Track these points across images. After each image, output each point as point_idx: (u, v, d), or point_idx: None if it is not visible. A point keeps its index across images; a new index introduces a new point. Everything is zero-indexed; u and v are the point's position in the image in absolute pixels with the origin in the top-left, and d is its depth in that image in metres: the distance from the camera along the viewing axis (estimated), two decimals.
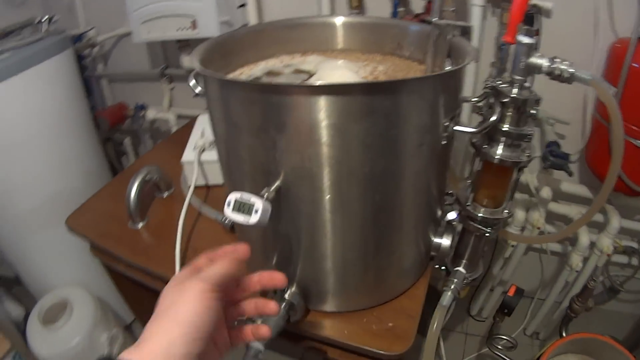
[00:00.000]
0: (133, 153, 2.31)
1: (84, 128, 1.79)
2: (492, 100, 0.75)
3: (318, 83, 0.65)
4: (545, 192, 1.48)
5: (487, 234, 0.86)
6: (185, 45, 1.66)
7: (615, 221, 1.49)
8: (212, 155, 1.25)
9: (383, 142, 0.64)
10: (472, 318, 2.04)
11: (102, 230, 1.21)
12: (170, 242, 1.06)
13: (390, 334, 0.83)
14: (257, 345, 0.74)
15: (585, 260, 1.60)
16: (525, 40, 0.68)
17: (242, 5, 1.55)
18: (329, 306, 0.87)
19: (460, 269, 0.94)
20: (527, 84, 0.73)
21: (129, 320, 2.14)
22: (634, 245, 1.64)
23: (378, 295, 0.89)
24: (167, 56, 1.98)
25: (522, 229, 1.58)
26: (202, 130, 1.32)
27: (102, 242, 1.18)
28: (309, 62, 0.90)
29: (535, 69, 0.70)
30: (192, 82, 0.78)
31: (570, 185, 1.55)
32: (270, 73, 0.87)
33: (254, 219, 0.66)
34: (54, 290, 1.80)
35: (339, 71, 0.82)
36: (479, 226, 0.86)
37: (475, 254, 0.94)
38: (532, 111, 0.73)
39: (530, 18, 0.72)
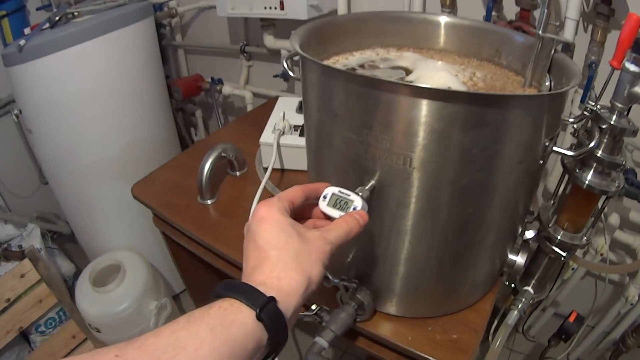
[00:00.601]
0: (203, 126, 2.35)
1: (157, 95, 1.85)
2: (589, 124, 0.74)
3: (429, 86, 0.65)
4: (614, 219, 1.44)
5: (562, 258, 0.85)
6: (269, 24, 1.67)
7: None
8: (291, 139, 1.24)
9: (483, 155, 0.62)
10: (519, 334, 2.00)
11: (169, 201, 1.23)
12: (239, 223, 1.05)
13: (453, 345, 0.83)
14: (322, 342, 0.75)
15: None
16: (633, 68, 0.66)
17: None
18: (396, 309, 0.87)
19: (529, 288, 0.93)
20: (625, 113, 0.71)
21: (178, 290, 2.19)
22: None
23: (446, 306, 0.88)
24: (248, 33, 2.00)
25: (585, 253, 1.54)
26: (283, 112, 1.29)
27: (167, 213, 1.19)
28: (405, 58, 0.88)
29: (637, 99, 0.68)
30: (285, 65, 0.78)
31: (638, 215, 1.50)
32: (365, 65, 0.86)
33: None
34: (109, 252, 1.86)
35: (438, 73, 0.80)
36: (556, 249, 0.84)
37: (545, 275, 0.92)
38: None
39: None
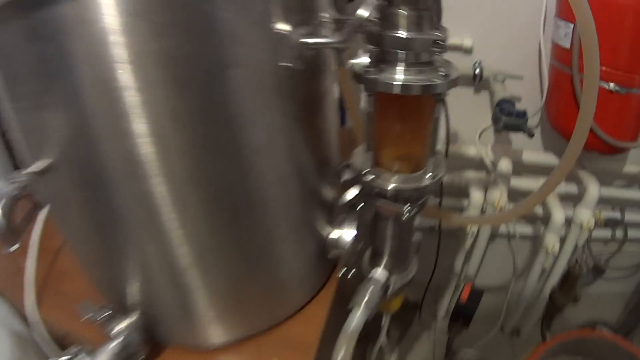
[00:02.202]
0: None
1: None
2: None
3: None
4: (505, 165, 1.20)
5: (406, 214, 0.56)
6: None
7: (594, 189, 1.25)
8: None
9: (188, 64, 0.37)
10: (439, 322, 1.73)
11: None
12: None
13: None
14: None
15: (563, 240, 1.34)
16: None
17: None
18: (184, 340, 0.57)
19: (377, 273, 0.64)
20: None
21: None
22: (617, 215, 1.44)
23: (253, 322, 0.58)
24: None
25: (482, 212, 1.29)
26: None
27: None
28: None
29: None
30: None
31: (534, 154, 1.30)
32: None
33: None
34: None
35: None
36: (393, 203, 0.56)
37: (399, 247, 0.64)
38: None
39: None
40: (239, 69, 0.38)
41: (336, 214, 0.61)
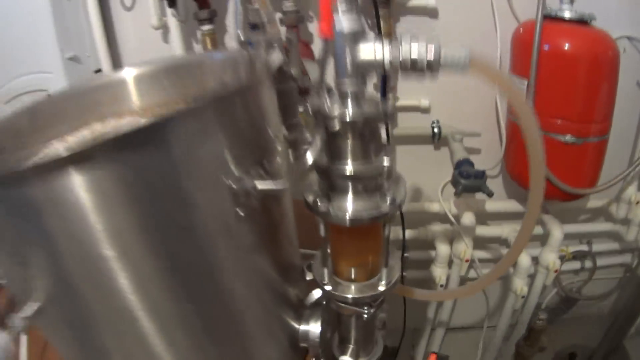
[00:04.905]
0: None
1: None
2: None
3: None
4: (468, 219, 1.26)
5: (365, 315, 0.61)
6: None
7: (557, 232, 1.31)
8: None
9: (154, 224, 0.42)
10: None
11: None
12: None
13: None
14: None
15: (532, 279, 1.39)
16: (348, 25, 0.44)
17: (98, 71, 1.35)
18: None
19: (346, 358, 0.68)
20: (367, 93, 0.49)
21: None
22: (584, 247, 1.50)
23: None
24: None
25: (450, 263, 1.35)
26: None
27: None
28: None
29: (373, 66, 0.46)
30: None
31: (497, 204, 1.36)
32: None
33: None
34: None
35: None
36: (352, 307, 0.60)
37: (364, 334, 0.69)
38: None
39: None
40: (202, 216, 0.43)
41: (304, 310, 0.66)
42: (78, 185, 0.38)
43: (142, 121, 0.36)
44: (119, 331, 0.47)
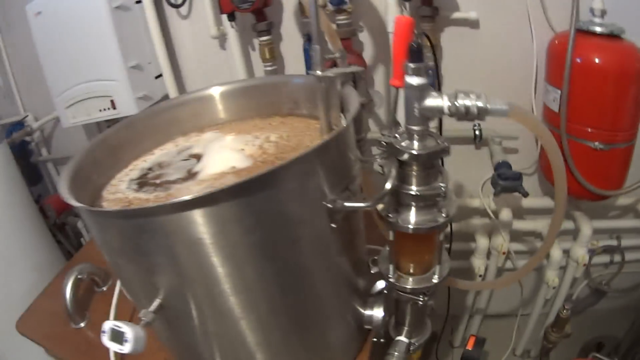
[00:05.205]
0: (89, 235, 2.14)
1: (27, 221, 1.67)
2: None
3: (153, 205, 0.55)
4: (505, 214, 1.38)
5: (420, 302, 0.75)
6: (114, 123, 1.56)
7: (586, 228, 1.40)
8: None
9: (266, 241, 0.56)
10: (456, 349, 1.91)
11: (47, 331, 1.14)
12: None
13: None
14: None
15: (563, 271, 1.51)
16: (415, 81, 0.57)
17: (159, 76, 1.49)
18: None
19: (402, 337, 0.82)
20: (430, 132, 0.62)
21: None
22: (613, 242, 1.56)
23: None
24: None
25: (488, 255, 1.47)
26: None
27: (47, 344, 1.11)
28: (202, 141, 0.83)
29: (435, 113, 0.59)
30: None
31: (533, 200, 1.46)
32: (155, 167, 0.80)
33: (127, 347, 0.59)
34: None
35: (222, 153, 0.74)
36: (410, 295, 0.75)
37: (416, 318, 0.82)
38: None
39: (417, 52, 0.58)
40: (302, 234, 0.58)
41: (368, 297, 0.80)
42: (200, 222, 0.52)
43: (261, 170, 0.50)
44: (221, 324, 0.63)
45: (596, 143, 1.17)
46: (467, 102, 0.57)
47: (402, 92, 0.61)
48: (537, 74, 1.31)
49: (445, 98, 0.58)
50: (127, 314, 1.04)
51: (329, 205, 0.57)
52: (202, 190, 0.60)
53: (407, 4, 1.14)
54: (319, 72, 0.66)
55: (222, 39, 1.45)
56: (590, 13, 1.16)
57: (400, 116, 0.65)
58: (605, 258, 1.61)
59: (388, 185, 0.59)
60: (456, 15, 1.25)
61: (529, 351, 1.80)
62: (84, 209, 0.57)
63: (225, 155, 0.74)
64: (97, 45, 1.38)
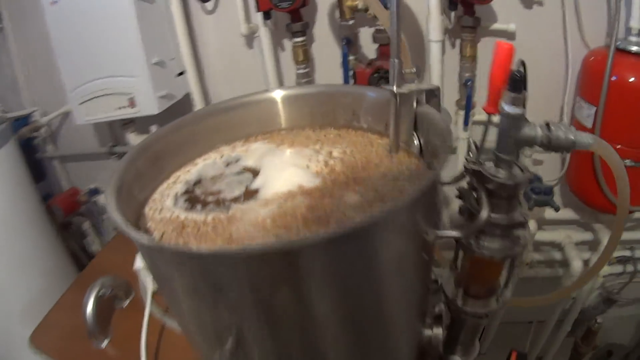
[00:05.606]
0: (95, 236, 2.10)
1: (34, 223, 1.62)
2: (474, 184, 0.63)
3: (247, 247, 0.53)
4: (532, 226, 1.38)
5: (480, 323, 0.75)
6: (129, 122, 1.52)
7: (607, 240, 1.39)
8: None
9: (354, 287, 0.53)
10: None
11: (66, 349, 1.09)
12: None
13: None
14: None
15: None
16: (513, 110, 0.56)
17: (181, 74, 1.44)
18: None
19: (456, 357, 0.82)
20: (516, 161, 0.61)
21: None
22: (627, 253, 1.58)
23: None
24: (115, 133, 1.81)
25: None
26: None
27: None
28: (252, 152, 0.76)
29: (528, 142, 0.59)
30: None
31: (555, 212, 1.45)
32: (204, 181, 0.73)
33: None
34: None
35: (286, 171, 0.68)
36: (472, 318, 0.74)
37: (470, 338, 0.82)
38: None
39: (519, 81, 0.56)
40: (397, 268, 0.56)
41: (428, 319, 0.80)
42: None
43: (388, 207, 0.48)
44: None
45: (627, 161, 1.18)
46: (560, 134, 0.56)
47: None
48: (568, 88, 1.31)
49: (538, 129, 0.57)
50: (155, 333, 1.02)
51: (426, 236, 0.56)
52: (274, 212, 0.59)
53: (452, 13, 1.13)
54: (394, 88, 0.65)
55: (250, 37, 1.42)
56: (626, 32, 1.17)
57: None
58: (618, 268, 1.62)
59: (484, 215, 0.58)
60: (495, 26, 1.25)
61: (541, 358, 1.82)
62: (166, 249, 0.54)
63: (290, 172, 0.68)
64: (118, 39, 1.31)
